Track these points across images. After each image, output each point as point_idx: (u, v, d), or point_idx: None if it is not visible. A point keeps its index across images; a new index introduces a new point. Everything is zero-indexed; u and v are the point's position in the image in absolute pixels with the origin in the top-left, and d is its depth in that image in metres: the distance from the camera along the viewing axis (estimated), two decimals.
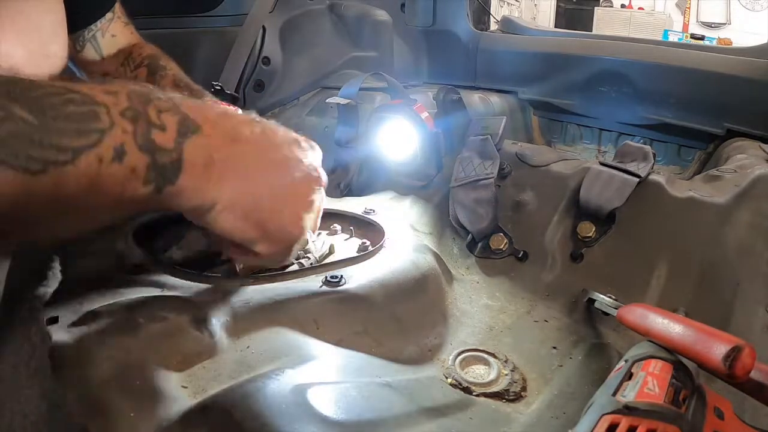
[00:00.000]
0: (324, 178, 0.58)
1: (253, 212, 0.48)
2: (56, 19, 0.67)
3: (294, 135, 0.56)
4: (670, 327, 0.49)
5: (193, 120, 0.43)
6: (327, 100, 1.09)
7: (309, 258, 0.69)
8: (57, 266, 0.58)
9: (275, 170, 0.51)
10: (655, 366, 0.46)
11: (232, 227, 0.48)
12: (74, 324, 0.52)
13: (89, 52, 0.88)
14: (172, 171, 0.41)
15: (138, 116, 0.39)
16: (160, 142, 0.40)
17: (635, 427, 0.39)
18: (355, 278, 0.63)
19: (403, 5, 1.84)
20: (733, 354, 0.42)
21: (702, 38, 6.64)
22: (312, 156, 0.56)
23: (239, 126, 0.48)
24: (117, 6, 0.90)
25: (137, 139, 0.38)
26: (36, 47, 0.63)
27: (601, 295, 0.70)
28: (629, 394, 0.42)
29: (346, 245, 0.76)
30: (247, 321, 0.55)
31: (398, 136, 0.99)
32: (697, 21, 7.22)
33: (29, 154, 0.33)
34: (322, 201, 0.58)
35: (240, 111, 0.56)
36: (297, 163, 0.53)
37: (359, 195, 0.99)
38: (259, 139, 0.50)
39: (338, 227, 0.80)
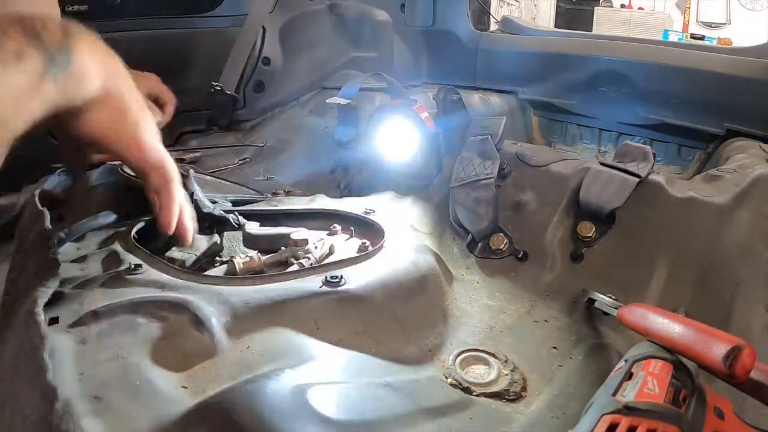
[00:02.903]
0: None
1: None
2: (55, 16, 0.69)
3: None
4: (670, 327, 0.49)
5: (74, 26, 0.48)
6: (327, 101, 1.09)
7: (309, 258, 0.69)
8: (57, 266, 0.58)
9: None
10: (655, 366, 0.46)
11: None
12: (74, 324, 0.52)
13: None
14: (65, 57, 0.46)
15: (24, 25, 0.43)
16: (49, 39, 0.44)
17: (635, 427, 0.39)
18: (355, 278, 0.63)
19: (403, 5, 1.84)
20: (733, 354, 0.42)
21: (702, 38, 6.65)
22: None
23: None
24: None
25: (30, 41, 0.43)
26: None
27: (601, 295, 0.70)
28: (629, 394, 0.42)
29: (346, 245, 0.76)
30: (246, 321, 0.55)
31: (398, 137, 0.99)
32: (697, 21, 7.22)
33: None
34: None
35: None
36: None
37: (359, 195, 0.99)
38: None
39: (338, 227, 0.80)
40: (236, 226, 0.78)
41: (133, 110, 0.55)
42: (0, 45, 0.40)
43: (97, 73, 0.50)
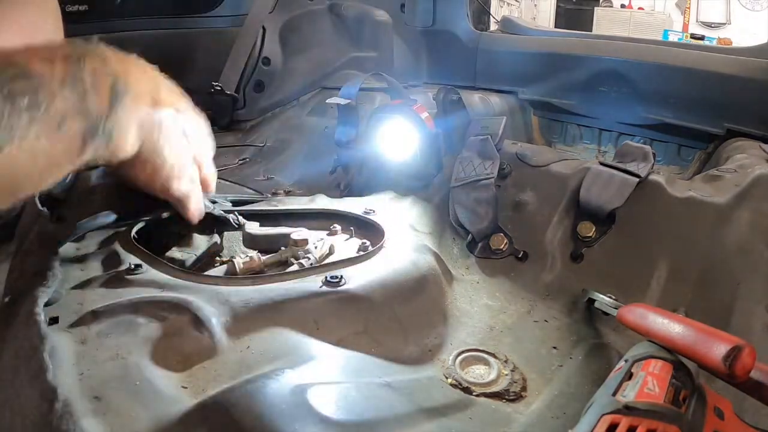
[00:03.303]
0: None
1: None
2: (57, 23, 0.69)
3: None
4: (670, 327, 0.49)
5: (123, 80, 0.47)
6: (327, 101, 1.09)
7: (309, 258, 0.69)
8: (57, 266, 0.58)
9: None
10: (655, 366, 0.46)
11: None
12: (75, 324, 0.52)
13: None
14: (109, 128, 0.45)
15: (75, 82, 0.41)
16: (96, 106, 0.43)
17: (635, 427, 0.39)
18: (355, 278, 0.63)
19: (402, 5, 1.84)
20: (733, 354, 0.42)
21: (702, 38, 6.65)
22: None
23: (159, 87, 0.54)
24: None
25: (76, 106, 0.41)
26: None
27: (601, 295, 0.70)
28: (629, 394, 0.42)
29: (346, 245, 0.76)
30: (247, 321, 0.55)
31: (398, 137, 0.99)
32: (697, 21, 7.22)
33: None
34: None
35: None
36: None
37: (359, 195, 0.99)
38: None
39: (338, 227, 0.80)
40: (236, 226, 0.78)
41: (167, 165, 0.56)
42: (47, 108, 0.38)
43: (136, 136, 0.49)
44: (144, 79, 0.52)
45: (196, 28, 1.45)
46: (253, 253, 0.71)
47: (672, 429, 0.39)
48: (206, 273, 0.67)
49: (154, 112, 0.52)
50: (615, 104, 1.47)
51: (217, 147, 1.34)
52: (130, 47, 0.56)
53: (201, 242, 0.75)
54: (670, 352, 0.48)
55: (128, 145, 0.49)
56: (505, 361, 0.62)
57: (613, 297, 0.70)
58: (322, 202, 0.90)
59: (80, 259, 0.66)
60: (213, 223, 0.78)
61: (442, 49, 1.83)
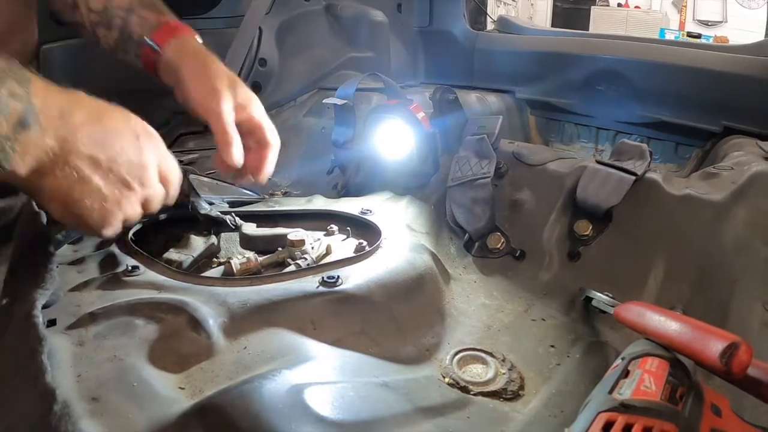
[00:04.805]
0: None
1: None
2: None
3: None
4: (667, 324, 0.49)
5: (35, 114, 0.45)
6: (324, 101, 1.09)
7: (306, 259, 0.69)
8: (55, 268, 0.58)
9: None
10: (652, 363, 0.46)
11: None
12: (73, 326, 0.53)
13: None
14: (3, 156, 0.44)
15: None
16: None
17: (631, 425, 0.39)
18: (352, 278, 0.63)
19: (399, 5, 1.84)
20: (730, 351, 0.42)
21: (698, 36, 6.66)
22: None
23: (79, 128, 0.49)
24: None
25: None
26: None
27: (599, 294, 0.70)
28: (626, 392, 0.42)
29: (343, 246, 0.76)
30: (244, 322, 0.55)
31: (395, 137, 0.99)
32: (694, 19, 7.24)
33: None
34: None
35: None
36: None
37: (356, 195, 0.99)
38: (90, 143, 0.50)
39: (335, 228, 0.80)
40: (233, 227, 0.78)
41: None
42: None
43: (29, 169, 0.46)
44: (60, 118, 0.47)
45: (193, 29, 1.45)
46: (250, 254, 0.71)
47: (669, 426, 0.40)
48: (203, 274, 0.67)
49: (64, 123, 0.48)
50: (612, 103, 1.48)
51: (215, 148, 1.34)
52: None
53: (198, 243, 0.75)
54: (667, 349, 0.48)
55: (21, 173, 0.46)
56: (503, 360, 0.62)
57: (610, 295, 0.70)
58: (319, 203, 0.90)
59: (77, 261, 0.66)
60: (210, 225, 0.78)
61: (439, 48, 1.83)
